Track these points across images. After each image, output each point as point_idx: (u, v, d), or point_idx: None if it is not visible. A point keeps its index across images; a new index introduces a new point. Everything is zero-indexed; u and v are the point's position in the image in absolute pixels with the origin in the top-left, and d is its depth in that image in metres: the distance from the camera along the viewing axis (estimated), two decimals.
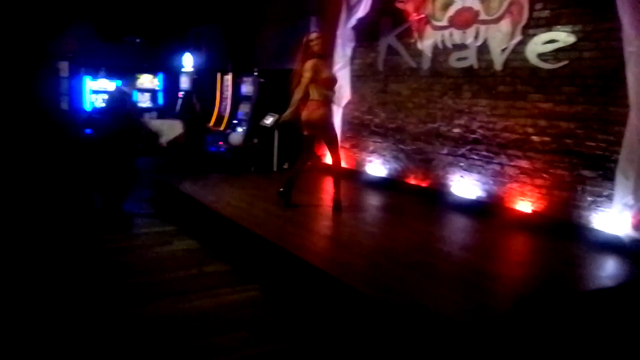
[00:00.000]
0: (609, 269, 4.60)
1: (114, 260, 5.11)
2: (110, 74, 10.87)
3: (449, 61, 6.67)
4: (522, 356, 3.33)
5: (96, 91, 10.67)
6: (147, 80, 11.27)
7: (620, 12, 4.68)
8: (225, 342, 3.56)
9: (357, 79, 8.26)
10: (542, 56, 5.55)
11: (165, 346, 3.48)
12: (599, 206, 5.07)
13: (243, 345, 3.54)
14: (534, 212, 5.59)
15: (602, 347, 3.62)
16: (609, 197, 4.94)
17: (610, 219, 4.90)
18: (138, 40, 11.83)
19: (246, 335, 3.68)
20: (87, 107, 10.61)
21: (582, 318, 3.78)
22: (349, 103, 8.36)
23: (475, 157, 6.35)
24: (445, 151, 6.76)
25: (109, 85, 10.72)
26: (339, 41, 8.20)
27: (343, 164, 8.27)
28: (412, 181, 7.22)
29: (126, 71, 11.00)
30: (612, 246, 4.75)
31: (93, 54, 11.07)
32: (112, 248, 5.46)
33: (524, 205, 5.70)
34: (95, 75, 10.75)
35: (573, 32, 5.28)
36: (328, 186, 6.66)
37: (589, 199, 5.15)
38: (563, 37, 5.35)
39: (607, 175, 4.98)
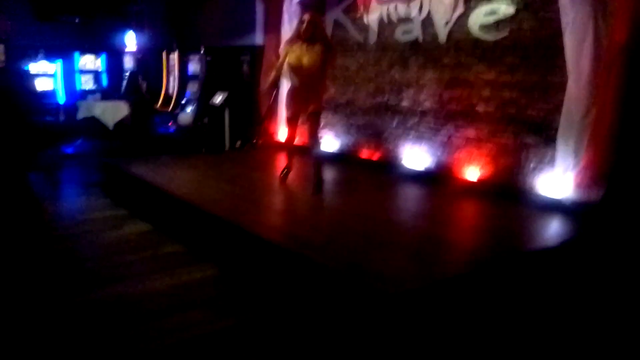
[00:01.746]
0: (552, 229, 4.82)
1: (63, 247, 4.98)
2: (50, 56, 10.45)
3: (394, 35, 6.73)
4: (474, 317, 3.48)
5: (36, 74, 10.24)
6: (89, 61, 10.86)
7: None
8: (181, 321, 3.56)
9: None
10: (483, 28, 5.69)
11: (121, 328, 3.45)
12: (541, 171, 5.28)
13: (200, 323, 3.54)
14: (481, 179, 5.78)
15: (548, 304, 3.82)
16: (551, 162, 5.16)
17: (552, 182, 5.12)
18: (77, 19, 11.36)
19: (204, 313, 3.68)
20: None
21: (528, 277, 3.97)
22: None
23: (424, 128, 6.48)
24: (394, 124, 6.87)
25: (49, 67, 10.32)
26: (285, 17, 8.14)
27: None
28: (364, 155, 7.31)
29: (66, 52, 10.66)
30: (555, 208, 4.98)
31: (30, 35, 10.59)
32: (61, 235, 5.32)
33: (472, 173, 5.88)
34: (34, 58, 10.29)
35: (512, 3, 5.42)
36: (281, 162, 6.65)
37: (532, 164, 5.36)
38: (503, 8, 5.49)
39: (548, 141, 5.19)
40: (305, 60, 5.25)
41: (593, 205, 4.73)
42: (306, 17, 5.39)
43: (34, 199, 5.91)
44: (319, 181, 5.47)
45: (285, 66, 5.47)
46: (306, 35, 5.25)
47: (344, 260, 3.66)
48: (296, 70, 5.35)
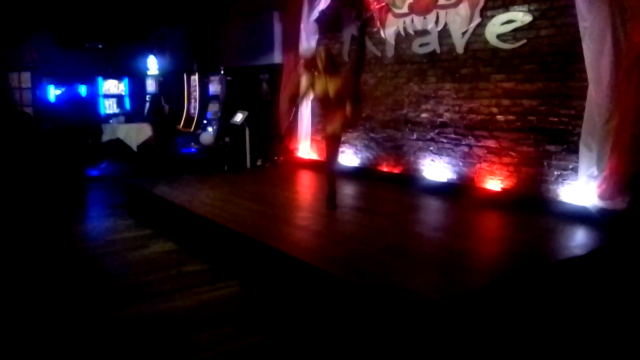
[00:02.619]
0: (578, 238, 4.74)
1: (91, 267, 5.06)
2: (74, 82, 10.71)
3: (412, 47, 6.75)
4: (501, 328, 3.43)
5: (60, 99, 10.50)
6: (112, 86, 11.13)
7: None
8: (208, 338, 3.58)
9: None
10: (501, 37, 5.68)
11: (148, 346, 3.48)
12: (565, 179, 5.22)
13: (226, 339, 3.56)
14: (504, 189, 5.73)
15: (576, 313, 3.74)
16: (574, 170, 5.09)
17: (576, 190, 5.05)
18: (100, 45, 11.67)
19: (229, 330, 3.69)
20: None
21: (556, 287, 3.90)
22: None
23: (444, 140, 6.45)
24: (414, 137, 6.86)
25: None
26: (303, 34, 8.23)
27: (317, 157, 8.37)
28: (385, 168, 7.30)
29: (90, 77, 10.94)
30: (580, 216, 4.90)
31: (55, 62, 10.90)
32: (89, 255, 5.42)
33: (494, 184, 5.83)
34: (58, 84, 10.58)
35: (529, 11, 5.41)
36: (302, 179, 6.68)
37: (556, 172, 5.29)
38: (520, 16, 5.47)
39: (571, 148, 5.13)
40: (332, 90, 5.26)
41: (619, 213, 4.65)
42: (321, 50, 5.50)
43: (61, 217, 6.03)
44: (332, 197, 5.50)
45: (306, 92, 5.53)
46: (326, 68, 5.28)
47: (367, 275, 3.64)
48: (323, 101, 5.39)
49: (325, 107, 5.48)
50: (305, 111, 8.51)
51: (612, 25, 4.59)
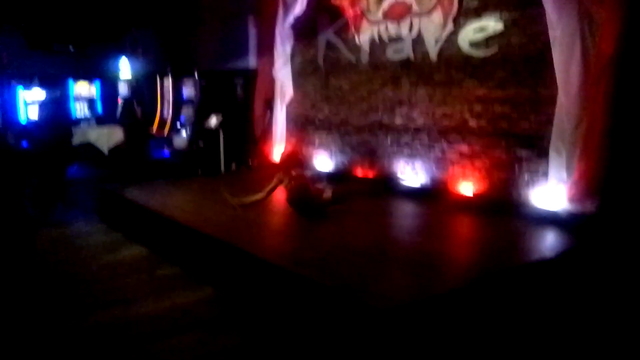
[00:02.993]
0: (548, 241, 4.82)
1: (60, 271, 4.96)
2: (44, 84, 10.50)
3: (386, 54, 6.81)
4: (472, 330, 3.46)
5: (31, 102, 10.27)
6: (83, 89, 10.91)
7: None
8: (179, 343, 3.54)
9: (299, 75, 8.31)
10: (473, 44, 5.76)
11: (118, 352, 3.42)
12: (535, 183, 5.30)
13: (197, 344, 3.52)
14: (476, 193, 5.80)
15: (546, 315, 3.80)
16: (545, 174, 5.18)
17: (546, 194, 5.14)
18: (71, 47, 11.46)
19: (200, 335, 3.66)
20: (22, 119, 10.19)
21: (526, 289, 3.96)
22: (292, 101, 8.40)
23: (418, 145, 6.51)
24: (389, 141, 6.91)
25: (43, 95, 10.35)
26: (277, 39, 8.23)
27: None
28: (359, 173, 7.33)
29: (60, 80, 10.72)
30: (550, 220, 4.98)
31: (24, 63, 10.66)
32: (58, 259, 5.30)
33: (467, 188, 5.90)
34: (28, 85, 10.33)
35: (501, 19, 5.50)
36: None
37: (526, 177, 5.38)
38: (492, 24, 5.57)
39: (541, 153, 5.22)
40: None
41: (588, 216, 4.74)
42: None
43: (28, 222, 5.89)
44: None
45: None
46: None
47: (340, 278, 3.65)
48: None
49: None
50: (280, 115, 8.50)
51: (581, 34, 4.71)
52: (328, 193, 5.65)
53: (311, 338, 3.52)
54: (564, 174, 4.93)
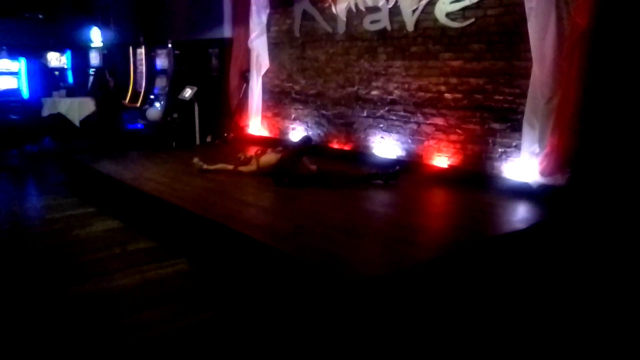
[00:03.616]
0: (520, 213, 4.89)
1: (31, 245, 4.88)
2: (13, 54, 10.20)
3: (363, 24, 6.73)
4: (446, 302, 3.51)
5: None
6: (54, 58, 10.63)
7: None
8: (153, 317, 3.52)
9: (275, 46, 8.19)
10: (450, 15, 5.72)
11: (92, 325, 3.39)
12: (509, 156, 5.36)
13: (171, 318, 3.51)
14: (451, 166, 5.83)
15: (519, 285, 3.88)
16: (518, 147, 5.23)
17: (519, 167, 5.19)
18: (40, 16, 11.10)
19: (175, 308, 3.65)
20: None
21: (499, 260, 4.02)
22: (268, 71, 8.29)
23: (394, 117, 6.50)
24: (365, 114, 6.88)
25: (13, 65, 10.08)
26: (253, 8, 8.08)
27: (266, 132, 8.30)
28: (335, 145, 7.31)
29: (30, 49, 10.42)
30: (523, 192, 5.05)
31: None
32: (30, 233, 5.22)
33: (441, 161, 5.93)
34: None
35: None
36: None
37: (500, 150, 5.42)
38: None
39: (515, 126, 5.26)
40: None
41: (559, 189, 4.81)
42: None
43: None
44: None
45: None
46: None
47: (315, 250, 3.65)
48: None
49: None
50: (256, 87, 8.39)
51: (556, 6, 4.70)
52: (313, 167, 5.64)
53: (286, 312, 3.53)
54: (537, 147, 4.97)
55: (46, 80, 10.16)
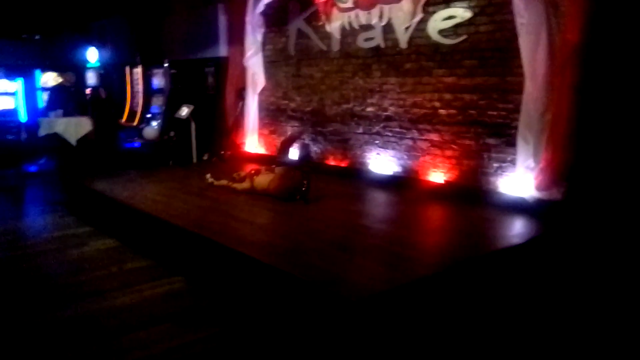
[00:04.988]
0: (516, 228, 4.90)
1: (28, 265, 4.87)
2: (10, 74, 10.24)
3: (357, 42, 6.80)
4: (444, 317, 3.51)
5: None
6: (50, 78, 10.67)
7: None
8: (149, 336, 3.50)
9: (270, 64, 8.25)
10: (442, 32, 5.79)
11: (87, 345, 3.38)
12: (504, 171, 5.38)
13: (167, 337, 3.49)
14: (446, 181, 5.85)
15: (516, 299, 3.88)
16: (512, 162, 5.26)
17: (514, 182, 5.21)
18: (37, 36, 11.17)
19: (171, 327, 3.63)
20: None
21: (495, 274, 4.02)
22: (264, 89, 8.35)
23: (389, 134, 6.54)
24: (360, 130, 6.92)
25: (10, 86, 10.12)
26: (248, 27, 8.15)
27: (263, 150, 8.33)
28: (332, 162, 7.33)
29: (27, 70, 10.47)
30: (518, 207, 5.06)
31: None
32: (26, 253, 5.21)
33: (437, 176, 5.95)
34: None
35: (469, 7, 5.53)
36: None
37: (495, 165, 5.45)
38: (460, 12, 5.60)
39: (509, 141, 5.29)
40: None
41: (555, 203, 4.83)
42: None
43: None
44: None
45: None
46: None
47: (312, 267, 3.65)
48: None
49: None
50: (252, 105, 8.44)
51: (547, 22, 4.77)
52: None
53: (285, 330, 3.52)
54: (532, 162, 5.00)
55: (66, 100, 10.20)
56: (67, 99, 10.18)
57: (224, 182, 6.24)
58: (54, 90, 10.44)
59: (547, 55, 4.78)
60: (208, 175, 6.48)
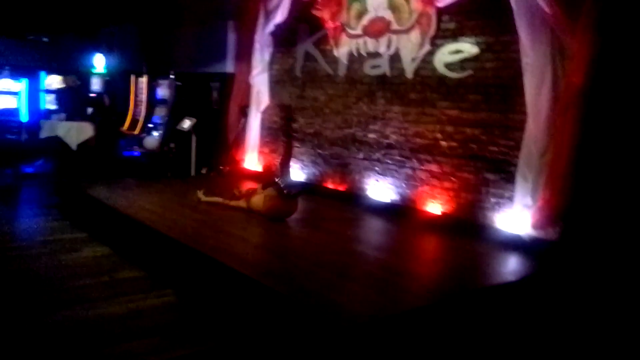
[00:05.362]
0: (511, 265, 4.91)
1: (17, 268, 4.82)
2: (15, 74, 10.27)
3: (363, 68, 6.87)
4: (433, 349, 3.49)
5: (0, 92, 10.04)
6: (55, 81, 10.70)
7: (518, 26, 5.03)
8: (136, 348, 3.46)
9: (276, 84, 8.31)
10: (449, 65, 5.86)
11: (73, 355, 3.33)
12: (501, 207, 5.40)
13: (155, 350, 3.46)
14: (444, 213, 5.87)
15: (507, 337, 3.87)
16: (510, 199, 5.28)
17: (511, 218, 5.23)
18: (45, 39, 11.22)
19: (159, 341, 3.59)
20: None
21: (487, 311, 4.01)
22: (267, 108, 8.40)
23: (389, 161, 6.57)
24: (361, 156, 6.95)
25: (14, 85, 10.14)
26: (257, 46, 8.23)
27: (260, 169, 8.34)
28: (330, 185, 7.35)
29: (32, 71, 10.50)
30: (514, 244, 5.07)
31: None
32: (16, 255, 5.16)
33: (435, 207, 5.97)
34: None
35: (476, 43, 5.61)
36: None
37: (493, 200, 5.48)
38: (467, 47, 5.68)
39: (508, 177, 5.33)
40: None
41: (551, 243, 4.85)
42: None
43: None
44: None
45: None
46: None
47: (305, 290, 3.64)
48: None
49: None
50: (255, 122, 8.48)
51: (552, 64, 4.84)
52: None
53: (273, 350, 3.49)
54: (529, 200, 5.03)
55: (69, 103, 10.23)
56: (70, 102, 10.21)
57: (217, 199, 6.18)
58: (59, 93, 10.47)
59: (550, 96, 4.85)
60: (200, 192, 6.32)
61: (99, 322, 3.81)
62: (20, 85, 10.18)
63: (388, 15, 6.51)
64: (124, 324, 3.82)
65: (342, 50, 7.12)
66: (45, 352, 3.35)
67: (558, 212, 4.82)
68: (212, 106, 9.26)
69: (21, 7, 10.22)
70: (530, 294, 4.29)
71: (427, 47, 6.06)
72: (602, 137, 4.60)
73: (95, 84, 10.82)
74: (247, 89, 8.55)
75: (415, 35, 6.18)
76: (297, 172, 7.85)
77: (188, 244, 4.54)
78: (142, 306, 4.15)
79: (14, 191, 7.29)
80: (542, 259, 4.76)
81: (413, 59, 6.23)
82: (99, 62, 10.89)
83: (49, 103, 10.56)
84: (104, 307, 4.06)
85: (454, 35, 5.83)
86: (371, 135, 6.82)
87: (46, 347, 3.41)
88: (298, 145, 7.90)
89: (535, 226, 4.98)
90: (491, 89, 5.50)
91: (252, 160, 8.58)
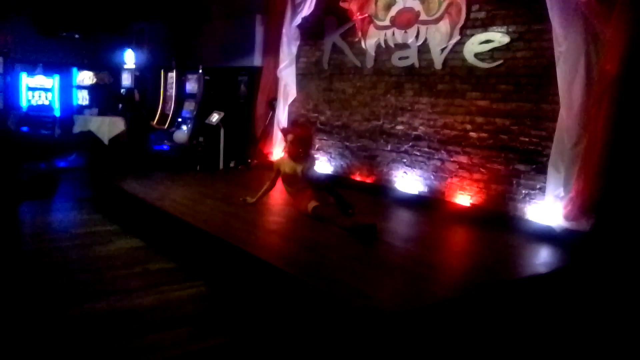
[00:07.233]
0: (542, 257, 4.83)
1: (52, 259, 4.95)
2: (48, 70, 10.52)
3: (391, 60, 6.82)
4: (464, 340, 3.47)
5: (33, 88, 10.30)
6: (87, 77, 10.92)
7: (551, 14, 4.93)
8: (168, 338, 3.52)
9: (303, 77, 8.32)
10: (478, 55, 5.78)
11: (106, 344, 3.41)
12: (532, 198, 5.32)
13: (187, 340, 3.51)
14: (473, 205, 5.81)
15: (538, 330, 3.81)
16: (542, 190, 5.20)
17: (543, 210, 5.15)
18: (77, 35, 11.45)
19: (190, 331, 3.65)
20: (24, 104, 10.21)
21: (518, 303, 3.97)
22: (294, 101, 8.41)
23: (418, 153, 6.52)
24: (389, 148, 6.92)
25: (47, 81, 10.38)
26: (284, 39, 8.23)
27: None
28: (358, 177, 7.34)
29: (65, 67, 10.74)
30: (545, 235, 5.00)
31: (30, 49, 10.67)
32: (51, 247, 5.30)
33: (464, 199, 5.91)
34: (31, 71, 10.36)
35: (507, 32, 5.52)
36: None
37: (524, 191, 5.39)
38: (498, 37, 5.58)
39: (540, 168, 5.24)
40: (292, 173, 5.52)
41: (583, 234, 4.76)
42: (290, 137, 5.61)
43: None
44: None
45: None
46: (290, 155, 5.61)
47: (334, 281, 3.65)
48: (287, 179, 5.63)
49: (289, 187, 5.66)
50: (282, 116, 8.50)
51: (585, 52, 4.73)
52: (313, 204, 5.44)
53: (303, 342, 3.52)
54: (561, 191, 4.94)
55: (102, 99, 10.47)
56: (103, 98, 10.42)
57: (258, 194, 5.84)
58: (91, 89, 10.69)
59: (584, 85, 4.74)
60: (248, 198, 5.84)
61: (130, 313, 3.89)
62: (53, 82, 10.43)
63: (417, 5, 6.45)
64: (155, 315, 3.89)
65: (370, 42, 7.08)
66: (78, 342, 3.43)
67: (591, 203, 4.72)
68: (240, 100, 9.32)
69: (54, 4, 10.44)
70: (562, 286, 4.22)
71: (456, 37, 5.99)
72: (636, 126, 4.49)
73: (126, 80, 11.01)
74: (275, 82, 8.57)
75: (444, 26, 6.11)
76: (325, 165, 7.86)
77: (219, 236, 4.58)
78: (172, 297, 4.23)
79: (51, 182, 7.45)
80: (574, 251, 4.67)
81: (442, 50, 6.16)
82: (129, 58, 11.07)
83: (81, 99, 10.80)
84: (136, 298, 4.14)
85: (484, 25, 5.74)
86: (399, 127, 6.77)
87: (79, 337, 3.49)
88: (325, 138, 7.90)
89: (567, 217, 4.89)
90: (522, 78, 5.40)
91: (279, 153, 8.60)
